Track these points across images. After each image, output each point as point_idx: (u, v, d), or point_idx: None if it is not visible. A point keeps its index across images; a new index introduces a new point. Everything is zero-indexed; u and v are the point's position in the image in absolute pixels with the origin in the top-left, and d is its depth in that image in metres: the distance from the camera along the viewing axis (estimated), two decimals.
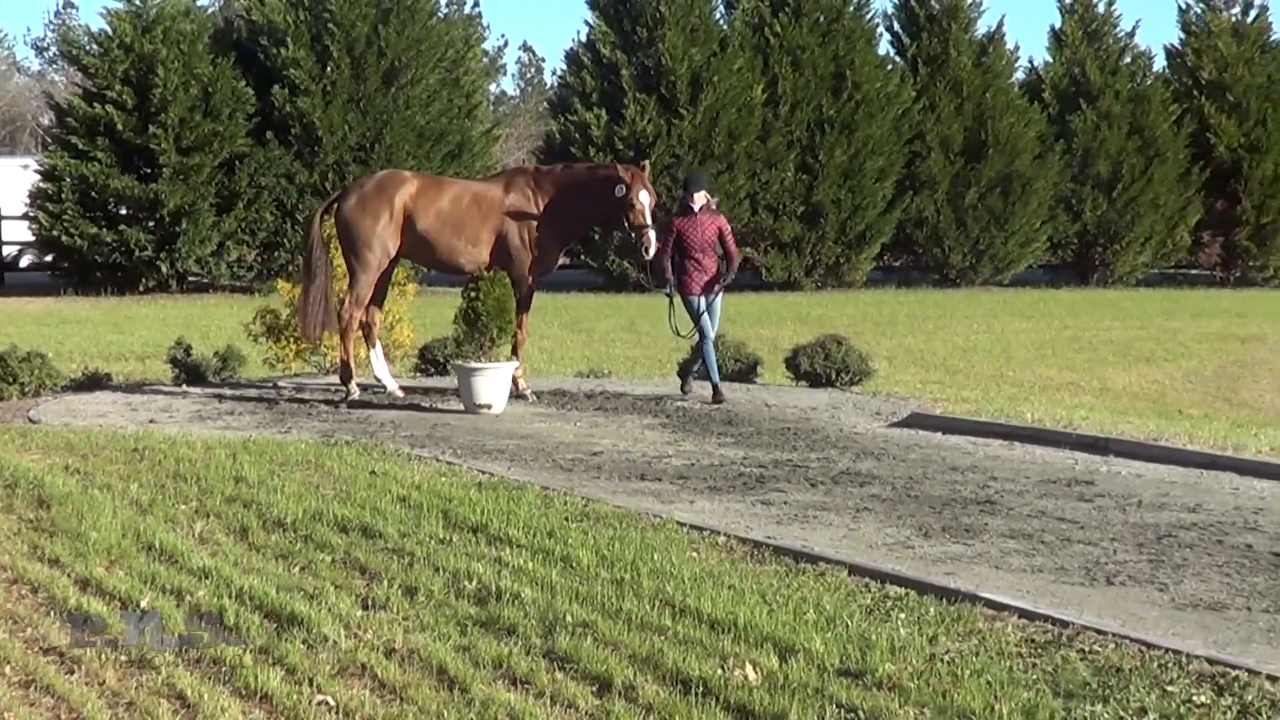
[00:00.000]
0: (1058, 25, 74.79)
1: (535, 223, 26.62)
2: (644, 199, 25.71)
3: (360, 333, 26.83)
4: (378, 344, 27.30)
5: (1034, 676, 11.12)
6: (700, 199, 26.76)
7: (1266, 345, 47.39)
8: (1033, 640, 12.03)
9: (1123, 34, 75.10)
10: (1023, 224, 67.74)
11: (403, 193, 26.98)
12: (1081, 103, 71.63)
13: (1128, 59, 74.80)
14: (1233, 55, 76.19)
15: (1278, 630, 12.78)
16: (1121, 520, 17.15)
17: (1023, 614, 12.72)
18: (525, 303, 27.11)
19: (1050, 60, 74.01)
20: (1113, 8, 74.99)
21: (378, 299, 27.13)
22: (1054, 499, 18.31)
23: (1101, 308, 60.36)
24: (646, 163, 29.13)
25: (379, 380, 27.33)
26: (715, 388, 26.62)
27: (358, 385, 26.63)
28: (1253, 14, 77.89)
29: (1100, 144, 70.60)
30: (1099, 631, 12.20)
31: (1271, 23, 78.79)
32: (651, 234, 25.66)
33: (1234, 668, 11.29)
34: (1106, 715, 10.28)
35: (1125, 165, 70.64)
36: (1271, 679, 11.00)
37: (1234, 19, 77.64)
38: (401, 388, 27.59)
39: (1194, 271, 79.93)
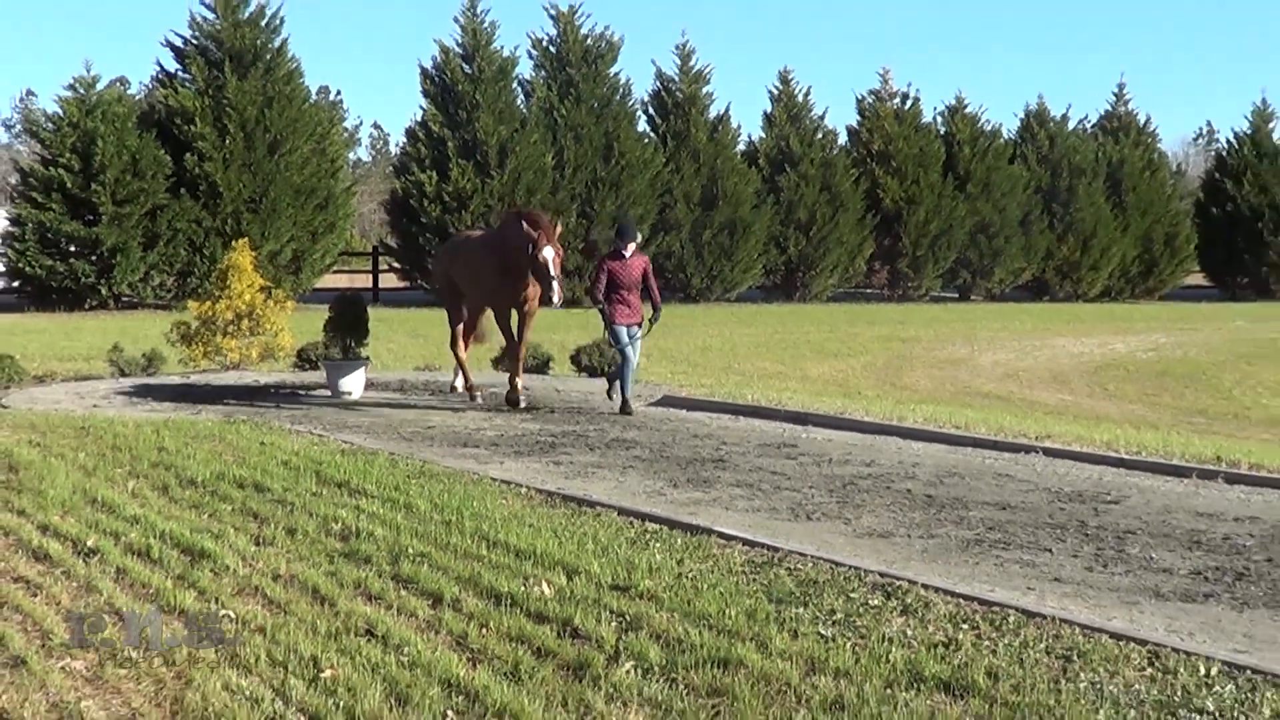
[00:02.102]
0: (769, 110, 75.25)
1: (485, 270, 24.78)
2: (548, 254, 22.66)
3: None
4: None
5: (754, 588, 11.21)
6: (631, 247, 23.59)
7: (921, 344, 47.80)
8: (753, 561, 12.13)
9: (816, 116, 75.62)
10: (744, 256, 68.24)
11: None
12: (786, 167, 72.16)
13: (820, 135, 75.27)
14: (895, 132, 76.96)
15: (929, 551, 13.03)
16: (817, 473, 17.34)
17: (745, 542, 12.83)
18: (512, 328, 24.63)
19: (764, 135, 74.44)
20: (809, 98, 75.54)
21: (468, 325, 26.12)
22: (768, 458, 18.46)
23: (802, 318, 60.90)
24: (558, 221, 26.38)
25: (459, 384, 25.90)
26: (625, 402, 23.38)
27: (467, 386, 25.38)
28: (909, 103, 78.66)
29: (800, 197, 71.27)
30: (801, 554, 12.34)
31: (922, 110, 79.60)
32: (556, 286, 22.57)
33: (898, 579, 11.47)
34: (806, 615, 10.38)
35: (818, 213, 71.41)
36: (925, 586, 11.18)
37: (895, 107, 78.35)
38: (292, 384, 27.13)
39: (869, 291, 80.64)
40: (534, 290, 23.36)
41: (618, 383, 24.10)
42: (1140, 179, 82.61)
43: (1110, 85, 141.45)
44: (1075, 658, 9.48)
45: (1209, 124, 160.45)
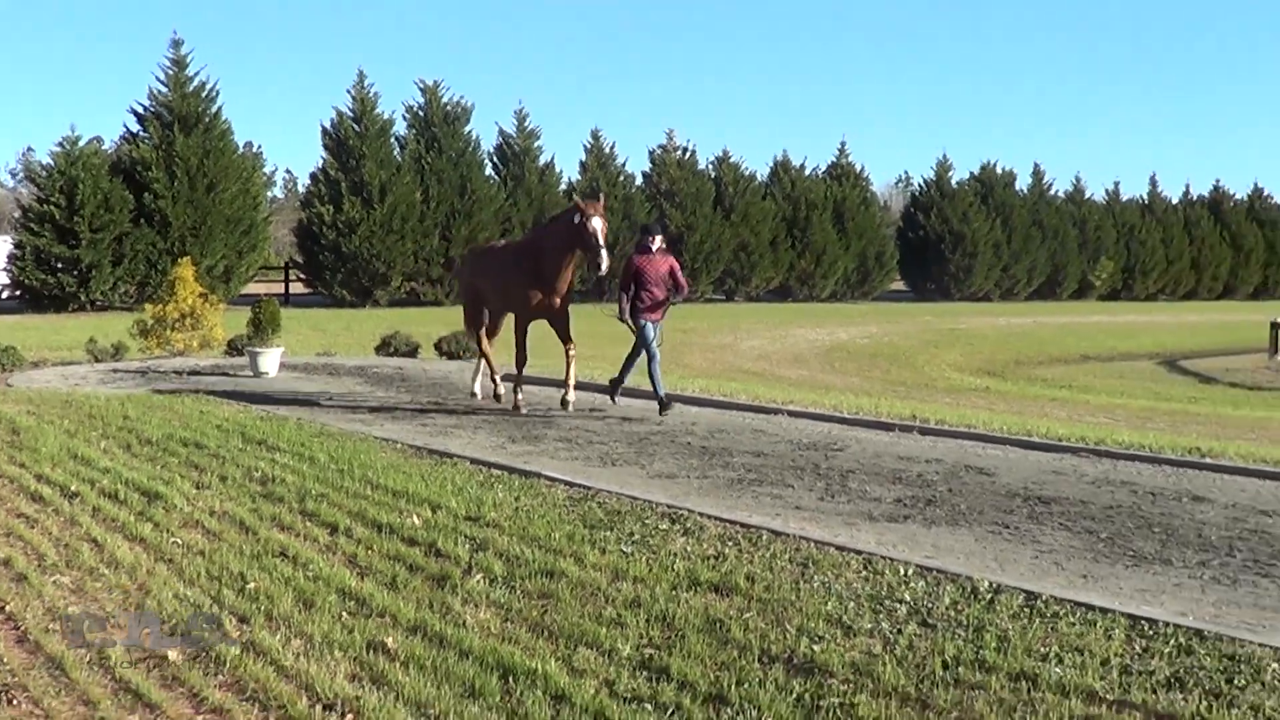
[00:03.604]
0: (583, 159, 75.28)
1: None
2: (597, 224, 18.52)
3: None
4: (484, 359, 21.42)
5: (573, 517, 11.23)
6: (658, 242, 19.78)
7: (697, 334, 48.00)
8: (572, 497, 12.14)
9: (619, 164, 75.72)
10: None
11: None
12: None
13: (621, 177, 75.33)
14: (677, 176, 77.15)
15: (704, 488, 13.07)
16: (620, 431, 17.38)
17: (566, 483, 12.82)
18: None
19: (580, 177, 74.32)
20: (614, 150, 75.62)
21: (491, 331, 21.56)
22: (583, 420, 18.51)
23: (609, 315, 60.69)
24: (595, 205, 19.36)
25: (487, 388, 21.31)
26: (661, 399, 19.27)
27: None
28: (688, 154, 78.94)
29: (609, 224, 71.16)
30: (608, 491, 12.37)
31: (697, 159, 79.90)
32: (604, 254, 18.35)
33: (681, 508, 11.54)
34: (612, 537, 10.42)
35: (620, 236, 71.14)
36: (701, 514, 11.27)
37: (678, 157, 78.57)
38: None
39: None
40: (562, 294, 19.37)
41: (621, 385, 20.32)
42: (857, 212, 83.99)
43: (835, 143, 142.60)
44: (811, 564, 9.60)
45: (906, 173, 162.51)
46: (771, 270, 79.32)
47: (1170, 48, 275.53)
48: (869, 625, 8.09)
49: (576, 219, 18.47)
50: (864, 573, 9.39)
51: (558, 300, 19.29)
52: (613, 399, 20.52)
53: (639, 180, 78.53)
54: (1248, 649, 7.64)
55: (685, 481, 13.56)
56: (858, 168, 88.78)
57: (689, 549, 10.11)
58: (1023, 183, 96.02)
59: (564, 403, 19.11)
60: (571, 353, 19.47)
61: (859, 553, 9.97)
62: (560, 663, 7.49)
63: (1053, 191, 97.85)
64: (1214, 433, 22.02)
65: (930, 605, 8.53)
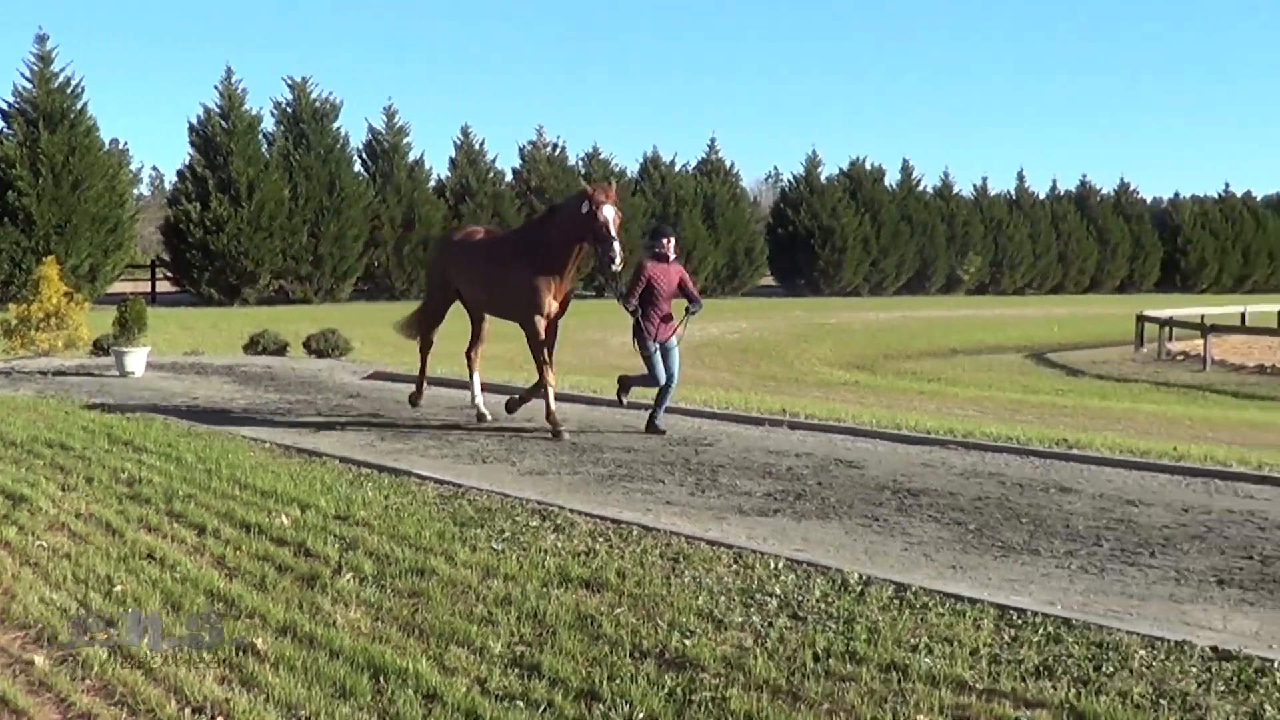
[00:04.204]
0: (453, 155, 75.17)
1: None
2: (608, 213, 16.09)
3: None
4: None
5: (443, 514, 11.17)
6: (671, 245, 17.19)
7: (567, 329, 47.43)
8: (442, 495, 12.08)
9: (489, 160, 75.70)
10: None
11: None
12: (467, 198, 72.16)
13: (491, 174, 75.35)
14: (547, 173, 77.29)
15: (574, 484, 13.09)
16: (492, 426, 17.31)
17: (436, 481, 12.76)
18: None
19: (450, 174, 74.26)
20: (484, 146, 75.58)
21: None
22: (453, 417, 18.41)
23: None
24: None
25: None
26: (654, 420, 17.17)
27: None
28: (558, 151, 79.15)
29: (477, 220, 71.21)
30: (478, 489, 12.34)
31: (567, 155, 79.98)
32: (617, 247, 15.98)
33: (551, 505, 11.52)
34: (483, 534, 10.38)
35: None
36: (572, 510, 11.27)
37: (548, 153, 78.69)
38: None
39: None
40: (561, 299, 17.04)
41: (635, 389, 18.00)
42: (727, 208, 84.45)
43: (705, 139, 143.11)
44: (681, 559, 9.62)
45: (776, 168, 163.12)
46: None
47: (1034, 43, 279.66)
48: (740, 619, 8.11)
49: (585, 207, 16.17)
50: (735, 567, 9.42)
51: (556, 304, 17.02)
52: (620, 401, 18.18)
53: (509, 177, 78.49)
54: (1115, 636, 7.76)
55: (556, 478, 13.54)
56: (727, 164, 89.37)
57: (560, 545, 10.09)
58: (891, 179, 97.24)
59: (557, 434, 16.43)
60: (550, 379, 16.94)
61: (729, 547, 10.00)
62: (431, 661, 7.44)
63: (921, 187, 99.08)
64: (1081, 424, 22.38)
65: (801, 598, 8.58)
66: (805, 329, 55.50)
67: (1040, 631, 7.88)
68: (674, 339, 17.13)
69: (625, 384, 18.03)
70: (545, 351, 16.96)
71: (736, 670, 7.19)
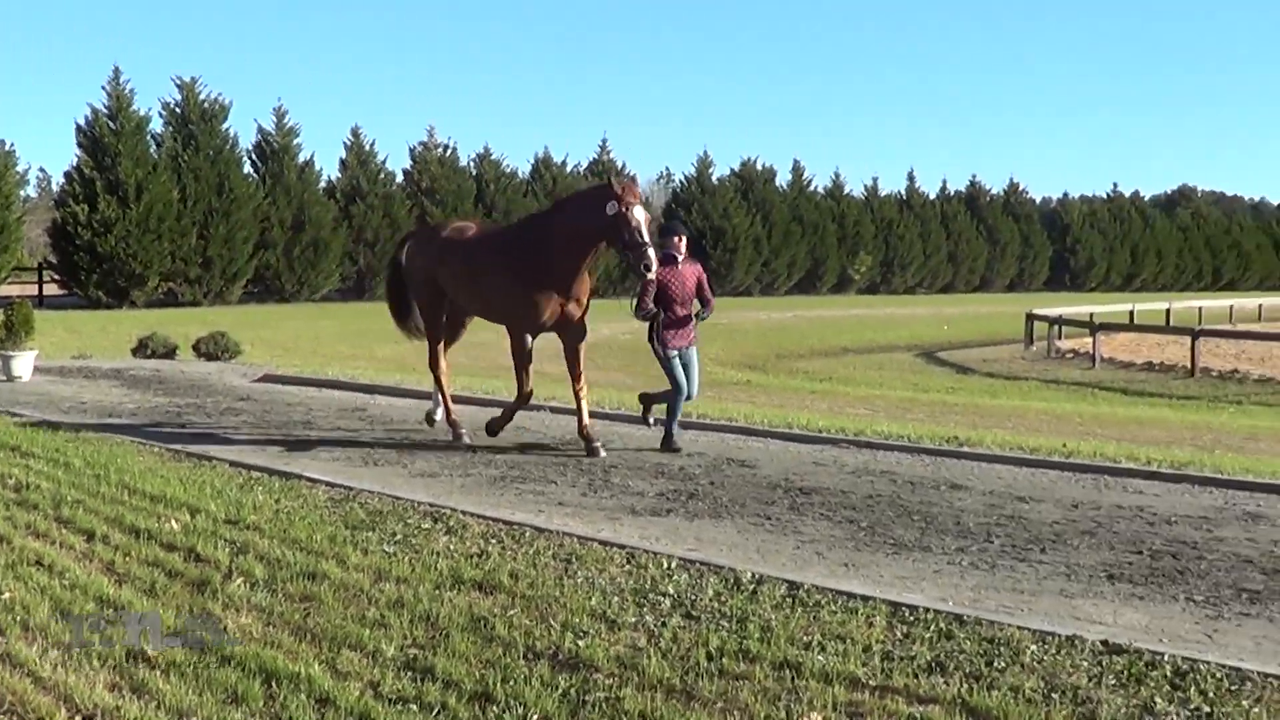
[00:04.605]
0: (344, 156, 74.85)
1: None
2: (639, 214, 14.56)
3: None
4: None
5: (334, 518, 11.09)
6: (682, 246, 15.87)
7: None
8: (333, 498, 12.00)
9: (380, 161, 75.43)
10: (325, 266, 68.13)
11: None
12: (357, 199, 71.97)
13: (382, 175, 75.13)
14: (439, 173, 77.25)
15: (466, 486, 13.06)
16: (382, 430, 17.28)
17: (327, 484, 12.66)
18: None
19: (340, 175, 73.97)
20: (374, 147, 75.37)
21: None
22: (345, 420, 18.29)
23: (372, 313, 60.05)
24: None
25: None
26: (670, 436, 15.65)
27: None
28: (449, 152, 79.02)
29: (368, 221, 71.22)
30: (370, 491, 12.27)
31: (459, 156, 79.92)
32: (650, 253, 14.42)
33: (444, 507, 11.49)
34: (374, 537, 10.31)
35: (381, 233, 71.40)
36: (464, 512, 11.24)
37: (439, 154, 78.45)
38: None
39: None
40: (582, 303, 15.54)
41: (656, 406, 16.62)
42: None
43: (597, 139, 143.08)
44: (574, 560, 9.62)
45: (667, 169, 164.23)
46: None
47: (924, 43, 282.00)
48: (633, 619, 8.11)
49: (613, 208, 14.52)
50: (627, 567, 9.43)
51: (577, 311, 15.41)
52: (647, 419, 16.79)
53: (400, 178, 78.24)
54: (1006, 632, 7.83)
55: (448, 480, 13.49)
56: (619, 164, 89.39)
57: (452, 548, 10.05)
58: (783, 179, 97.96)
59: (591, 450, 15.11)
60: (583, 391, 15.58)
61: (622, 547, 10.01)
62: (324, 666, 7.37)
63: (812, 187, 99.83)
64: (971, 422, 22.55)
65: (694, 597, 8.60)
66: (702, 329, 55.58)
67: (932, 628, 7.94)
68: (694, 347, 15.90)
69: (647, 401, 16.75)
70: (529, 365, 15.74)
71: (630, 670, 7.19)
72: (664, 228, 16.23)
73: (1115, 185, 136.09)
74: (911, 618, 8.14)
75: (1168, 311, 67.34)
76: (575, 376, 15.61)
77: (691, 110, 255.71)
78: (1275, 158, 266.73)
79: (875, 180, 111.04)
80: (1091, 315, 50.17)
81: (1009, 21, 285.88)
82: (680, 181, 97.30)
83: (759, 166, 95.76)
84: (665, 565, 9.42)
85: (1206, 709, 6.65)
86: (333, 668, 7.35)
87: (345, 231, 71.34)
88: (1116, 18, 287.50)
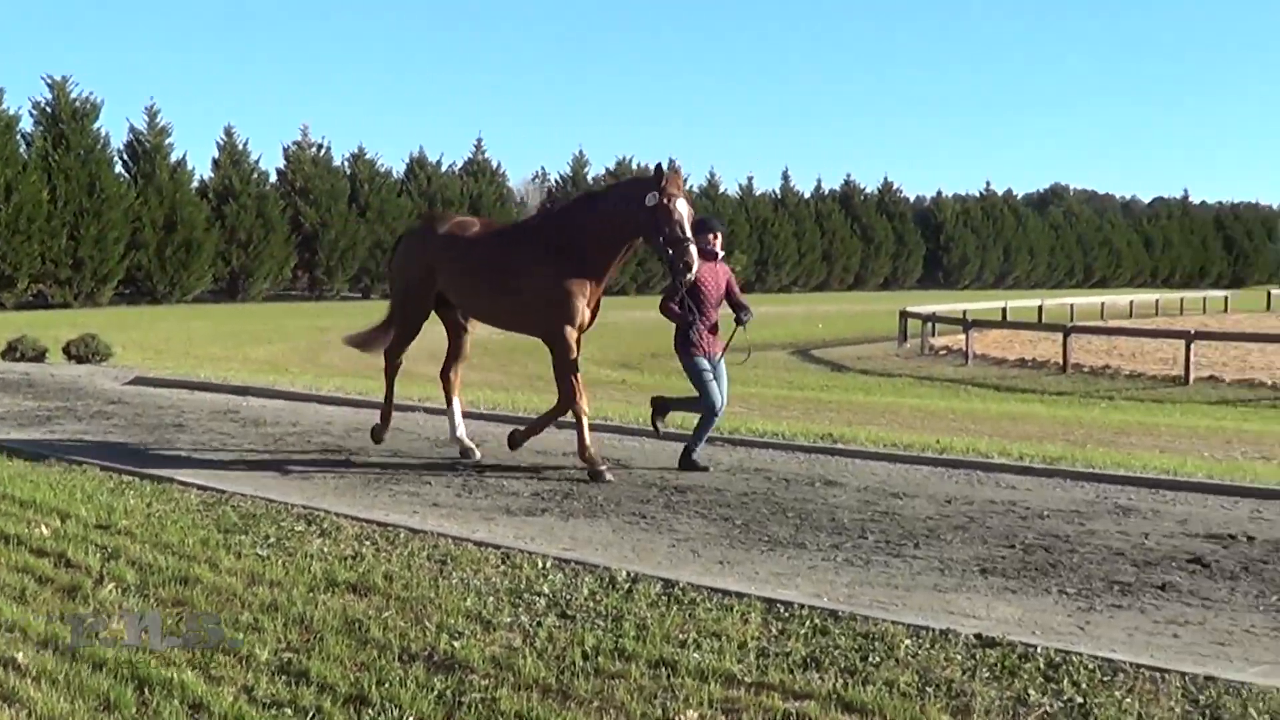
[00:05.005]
0: (216, 156, 74.29)
1: None
2: (683, 208, 13.28)
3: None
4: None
5: (207, 521, 10.96)
6: (718, 242, 14.28)
7: (334, 332, 47.35)
8: (206, 501, 11.85)
9: (253, 161, 75.09)
10: (197, 267, 67.98)
11: None
12: (230, 199, 71.47)
13: (255, 175, 74.77)
14: (312, 173, 76.97)
15: (340, 488, 12.95)
16: (255, 432, 17.05)
17: (200, 487, 12.50)
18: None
19: (213, 175, 73.45)
20: (248, 146, 74.80)
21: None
22: (217, 422, 18.04)
23: (244, 314, 60.46)
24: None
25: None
26: (690, 453, 14.20)
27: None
28: (323, 151, 78.59)
29: (240, 222, 70.80)
30: (242, 494, 12.12)
31: (332, 156, 79.45)
32: (692, 250, 13.10)
33: (317, 509, 11.39)
34: (247, 540, 10.20)
35: (254, 234, 71.08)
36: (338, 514, 11.15)
37: (312, 154, 78.07)
38: None
39: (294, 292, 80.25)
40: (598, 301, 14.19)
41: (669, 414, 15.06)
42: (494, 208, 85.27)
43: (472, 139, 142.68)
44: (449, 561, 9.57)
45: (543, 168, 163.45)
46: None
47: (800, 43, 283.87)
48: (508, 619, 8.09)
49: (654, 199, 13.16)
50: (502, 567, 9.41)
51: (591, 315, 14.20)
52: (656, 427, 15.03)
53: (273, 178, 77.71)
54: (881, 627, 7.89)
55: (321, 482, 13.37)
56: (494, 164, 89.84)
57: (326, 550, 9.96)
58: None
59: (596, 475, 13.56)
60: (583, 407, 13.98)
61: (497, 547, 9.98)
62: (197, 671, 7.28)
63: (687, 186, 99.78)
64: (845, 419, 22.72)
65: (569, 597, 8.59)
66: None
67: (807, 624, 7.98)
68: (722, 356, 14.30)
69: (662, 407, 14.91)
70: (577, 373, 13.94)
71: (506, 670, 7.17)
72: (699, 222, 14.11)
73: (988, 184, 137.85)
74: (787, 614, 8.18)
75: (1040, 308, 68.17)
76: (581, 390, 14.00)
77: (568, 109, 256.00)
78: (1145, 156, 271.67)
79: (750, 179, 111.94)
80: (965, 312, 50.54)
81: (883, 20, 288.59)
82: (556, 181, 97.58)
83: (634, 166, 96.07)
84: (540, 565, 9.41)
85: (1079, 700, 6.73)
86: (206, 673, 7.27)
87: (218, 232, 70.93)
88: (987, 18, 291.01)
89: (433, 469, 14.17)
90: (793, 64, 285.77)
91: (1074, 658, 7.32)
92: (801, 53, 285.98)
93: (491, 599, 8.54)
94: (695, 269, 13.14)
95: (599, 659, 7.35)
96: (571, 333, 13.79)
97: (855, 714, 6.58)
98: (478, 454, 14.77)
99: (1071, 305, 73.28)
